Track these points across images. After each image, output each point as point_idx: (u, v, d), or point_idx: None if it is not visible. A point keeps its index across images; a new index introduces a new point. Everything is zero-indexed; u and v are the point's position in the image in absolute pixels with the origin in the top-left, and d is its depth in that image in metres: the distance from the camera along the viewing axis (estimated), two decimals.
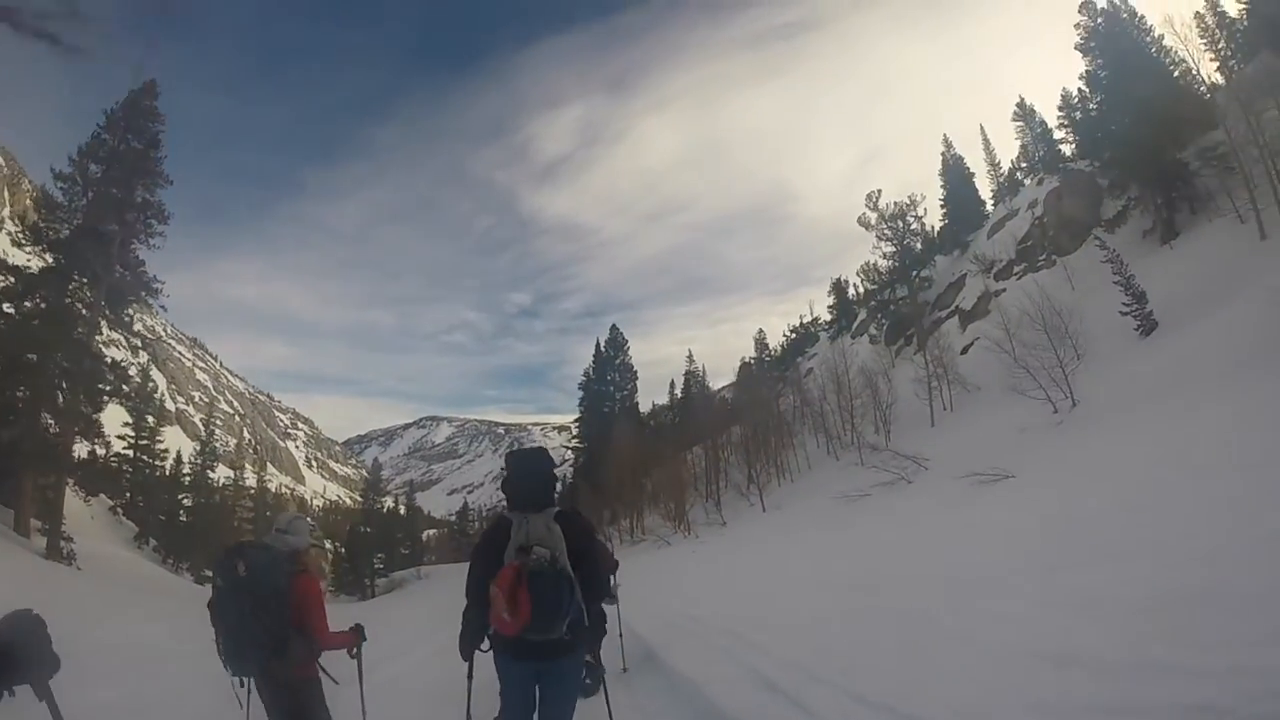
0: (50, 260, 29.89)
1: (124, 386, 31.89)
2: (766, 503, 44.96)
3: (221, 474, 73.46)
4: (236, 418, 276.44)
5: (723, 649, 8.05)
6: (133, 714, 9.18)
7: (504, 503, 4.31)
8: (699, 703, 6.43)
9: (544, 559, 3.80)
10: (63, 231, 30.72)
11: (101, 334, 32.14)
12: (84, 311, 30.38)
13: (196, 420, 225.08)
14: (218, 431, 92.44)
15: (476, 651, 4.13)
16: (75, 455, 31.14)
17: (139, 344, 34.75)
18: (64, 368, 28.43)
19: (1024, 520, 12.54)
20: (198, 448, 56.53)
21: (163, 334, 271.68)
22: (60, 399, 28.96)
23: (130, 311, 33.99)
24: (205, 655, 4.74)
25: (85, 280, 30.51)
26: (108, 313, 31.81)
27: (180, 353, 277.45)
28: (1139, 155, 41.31)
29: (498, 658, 4.03)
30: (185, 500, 52.61)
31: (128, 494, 47.85)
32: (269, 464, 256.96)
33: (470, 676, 4.24)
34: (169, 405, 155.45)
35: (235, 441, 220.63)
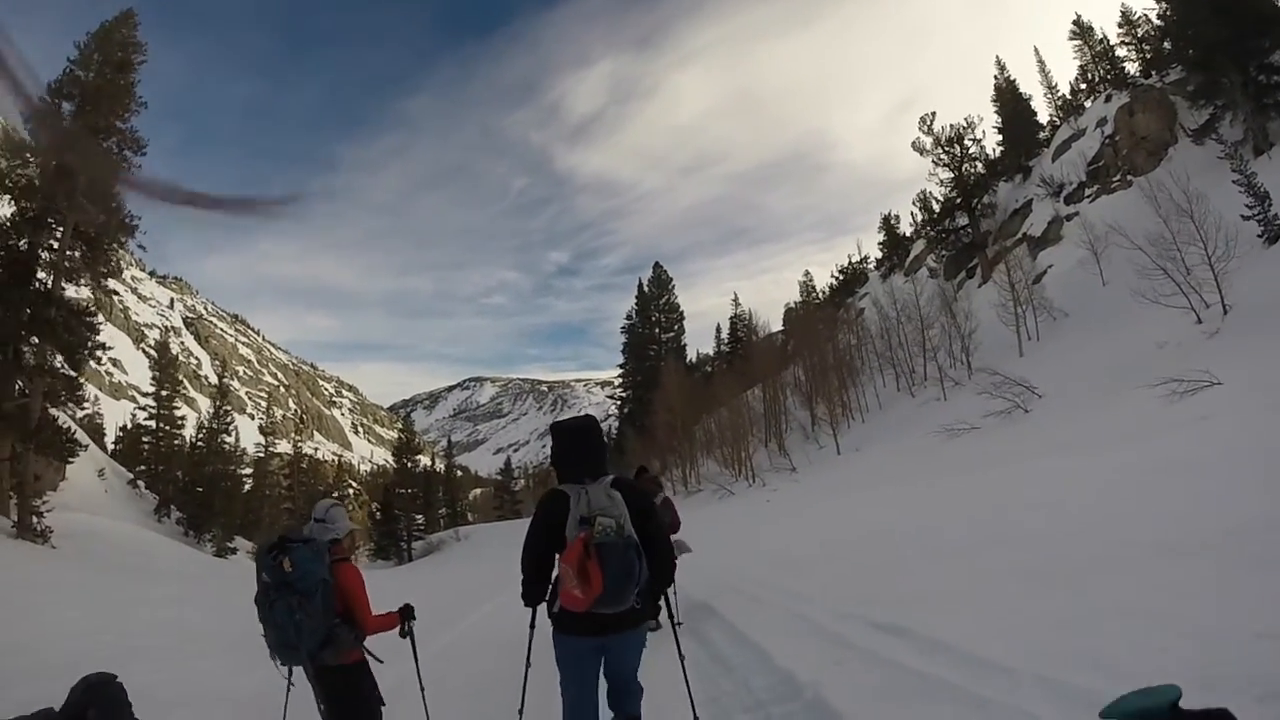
0: (15, 209, 26.62)
1: (92, 337, 28.07)
2: (841, 444, 42.26)
3: (251, 442, 71.78)
4: (281, 389, 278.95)
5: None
6: None
7: (549, 460, 4.36)
8: None
9: (610, 529, 3.64)
10: (35, 178, 27.24)
11: (79, 281, 28.79)
12: (45, 256, 26.73)
13: (242, 394, 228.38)
14: (262, 403, 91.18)
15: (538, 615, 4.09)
16: (57, 419, 28.39)
17: (109, 288, 31.00)
18: (25, 320, 24.90)
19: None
20: (210, 412, 53.44)
21: (203, 312, 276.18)
22: (28, 356, 25.48)
23: (115, 257, 30.29)
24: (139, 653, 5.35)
25: (51, 223, 26.87)
26: (76, 256, 28.09)
27: (222, 330, 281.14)
28: (1224, 56, 37.81)
29: (561, 637, 3.87)
30: (208, 470, 49.46)
31: (146, 464, 46.96)
32: (316, 432, 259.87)
33: (533, 626, 4.18)
34: (213, 380, 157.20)
35: (281, 413, 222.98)
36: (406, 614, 4.91)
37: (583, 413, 5.11)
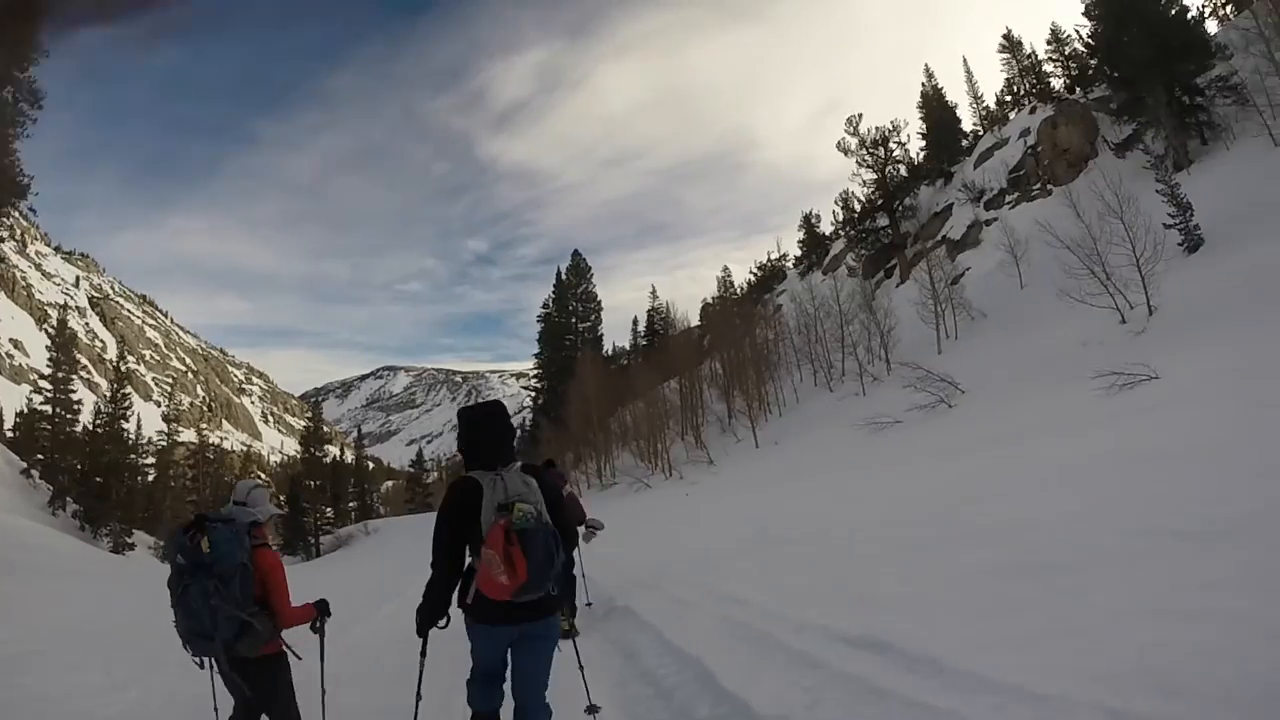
0: None
1: None
2: (760, 438, 42.05)
3: (154, 430, 68.97)
4: (189, 375, 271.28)
5: None
6: None
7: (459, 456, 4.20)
8: None
9: (530, 514, 3.57)
10: None
11: None
12: None
13: (148, 379, 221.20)
14: (169, 389, 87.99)
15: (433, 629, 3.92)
16: None
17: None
18: None
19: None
20: (109, 396, 50.90)
21: (110, 292, 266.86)
22: None
23: (9, 220, 28.33)
24: None
25: None
26: None
27: (129, 310, 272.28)
28: (1150, 75, 39.57)
29: (475, 626, 3.77)
30: (106, 459, 47.19)
31: (43, 453, 44.54)
32: (224, 420, 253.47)
33: (424, 654, 4.03)
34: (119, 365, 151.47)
35: (189, 400, 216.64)
36: (322, 609, 4.70)
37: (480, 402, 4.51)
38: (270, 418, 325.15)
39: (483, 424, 3.98)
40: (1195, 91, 39.53)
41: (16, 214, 32.26)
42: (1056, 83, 58.19)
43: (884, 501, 12.15)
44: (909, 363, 30.99)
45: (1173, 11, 40.52)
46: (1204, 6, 44.29)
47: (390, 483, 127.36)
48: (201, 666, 4.27)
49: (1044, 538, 6.27)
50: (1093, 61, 49.10)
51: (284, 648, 4.40)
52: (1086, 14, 46.98)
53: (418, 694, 4.04)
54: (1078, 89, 53.76)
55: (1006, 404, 22.22)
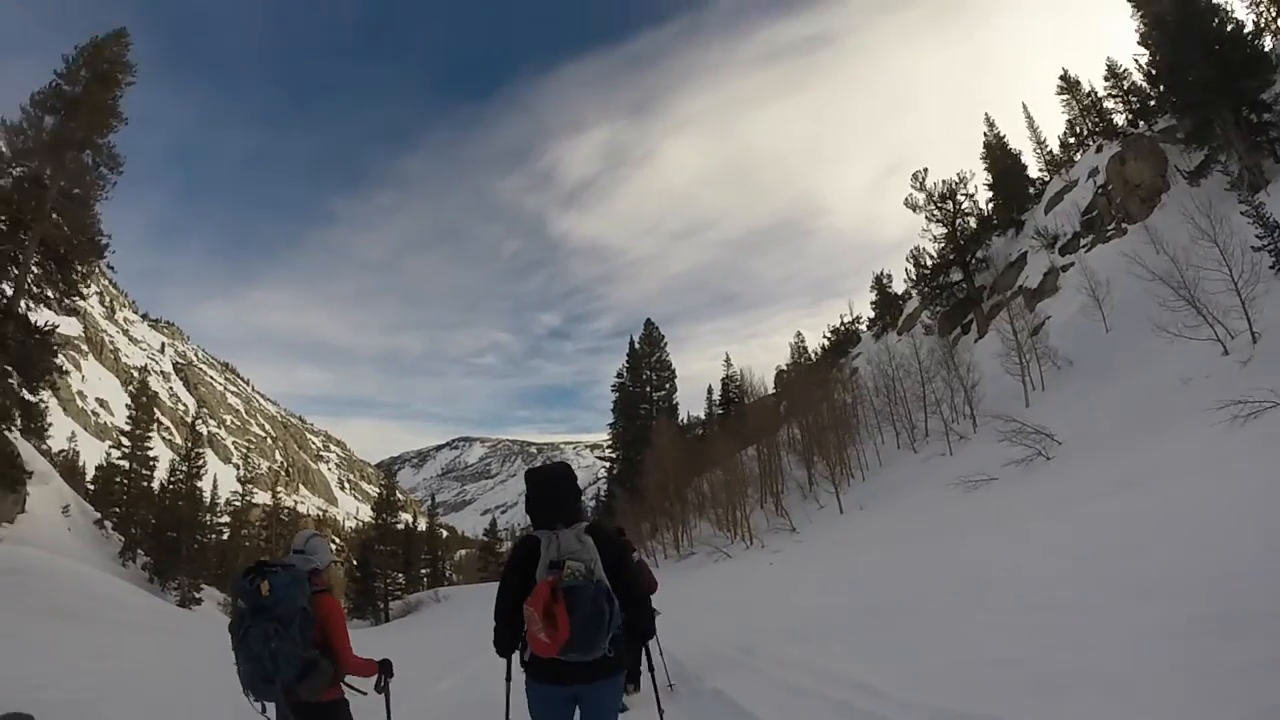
0: None
1: (51, 360, 26.62)
2: (844, 503, 40.41)
3: (230, 491, 70.14)
4: (268, 440, 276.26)
5: None
6: None
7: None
8: None
9: (579, 572, 3.55)
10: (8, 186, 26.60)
11: (52, 301, 27.75)
12: (12, 270, 25.57)
13: (228, 443, 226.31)
14: (250, 455, 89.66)
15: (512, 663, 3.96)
16: (7, 445, 27.05)
17: (74, 307, 29.69)
18: None
19: None
20: (183, 455, 52.08)
21: (194, 359, 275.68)
22: None
23: (78, 275, 29.06)
24: None
25: (22, 238, 25.92)
26: (41, 272, 26.93)
27: (212, 377, 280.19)
28: (1216, 97, 38.33)
29: (532, 685, 3.73)
30: (177, 515, 47.93)
31: (119, 506, 45.33)
32: (301, 485, 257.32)
33: (509, 678, 4.09)
34: (200, 428, 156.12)
35: (267, 464, 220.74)
36: (385, 668, 4.68)
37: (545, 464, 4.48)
38: (347, 484, 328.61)
39: (545, 484, 3.96)
40: (1262, 108, 38.38)
41: (105, 280, 33.44)
42: (1119, 119, 56.78)
43: (1005, 560, 10.77)
44: (1000, 415, 29.44)
45: (1228, 28, 39.30)
46: (1258, 21, 42.99)
47: (463, 551, 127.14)
48: (262, 712, 4.21)
49: (1238, 587, 5.08)
50: (1154, 92, 48.12)
51: (345, 694, 4.47)
52: (1142, 42, 46.15)
53: (506, 713, 4.05)
54: (1141, 123, 52.41)
55: (1111, 451, 20.68)
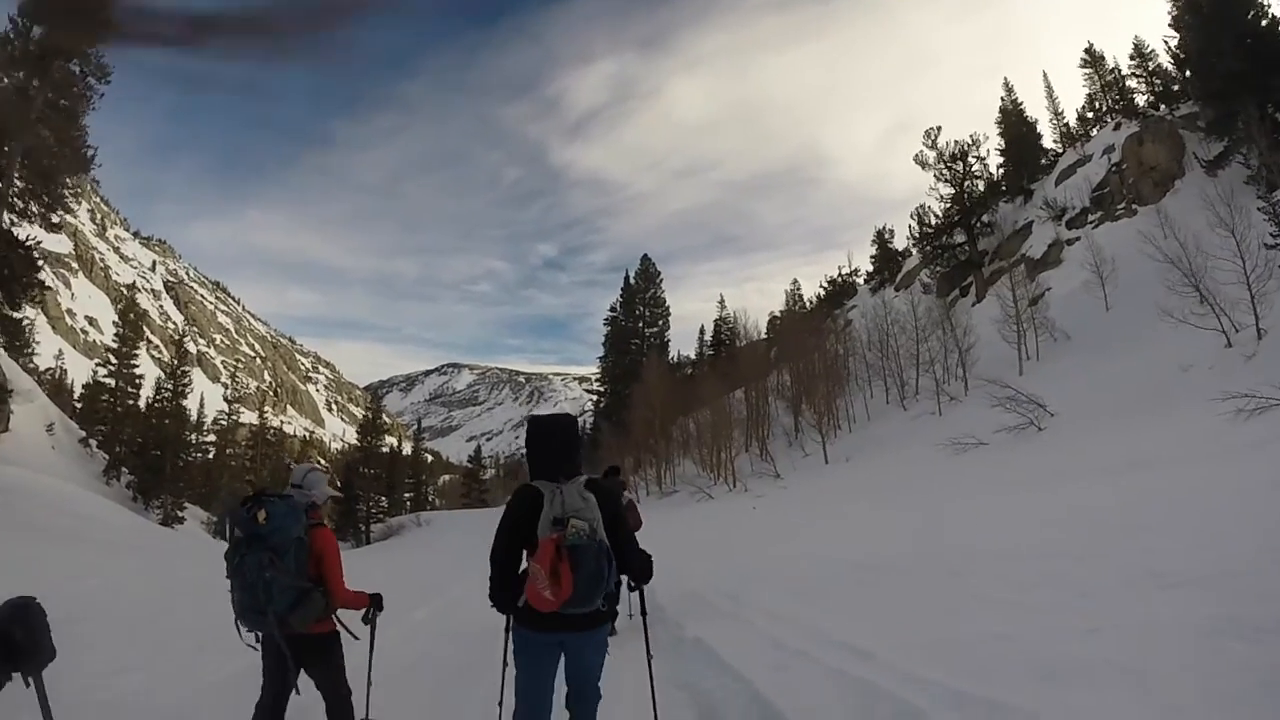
0: None
1: (33, 275, 26.08)
2: (830, 453, 40.37)
3: (218, 410, 70.10)
4: (257, 360, 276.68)
5: None
6: None
7: (522, 452, 4.49)
8: None
9: (583, 531, 3.55)
10: None
11: (35, 215, 27.26)
12: None
13: (217, 362, 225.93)
14: (237, 374, 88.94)
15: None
16: None
17: (58, 221, 29.09)
18: None
19: None
20: (168, 372, 51.98)
21: (185, 277, 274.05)
22: None
23: (65, 190, 28.42)
24: None
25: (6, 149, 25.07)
26: (24, 185, 26.20)
27: (203, 296, 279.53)
28: (1242, 90, 37.62)
29: (520, 630, 3.77)
30: (162, 433, 48.05)
31: (104, 424, 45.18)
32: (289, 406, 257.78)
33: (508, 629, 3.94)
34: (190, 347, 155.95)
35: (256, 384, 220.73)
36: (376, 601, 4.84)
37: (559, 406, 4.77)
38: (334, 406, 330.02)
39: (550, 435, 3.96)
40: None
41: (96, 197, 32.80)
42: (1140, 99, 56.15)
43: (1000, 528, 10.48)
44: (996, 380, 28.95)
45: (1262, 23, 38.67)
46: None
47: (447, 477, 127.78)
48: (256, 642, 4.28)
49: (1248, 584, 4.90)
50: (1179, 76, 47.79)
51: (337, 628, 4.49)
52: (1174, 25, 45.18)
53: (504, 662, 4.03)
54: (1162, 106, 51.89)
55: (1109, 428, 20.42)
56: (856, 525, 16.26)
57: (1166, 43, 48.13)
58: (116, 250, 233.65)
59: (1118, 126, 54.43)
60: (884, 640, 5.62)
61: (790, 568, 11.50)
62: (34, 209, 26.86)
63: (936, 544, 10.41)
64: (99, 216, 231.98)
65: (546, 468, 3.85)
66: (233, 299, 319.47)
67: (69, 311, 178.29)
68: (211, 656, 7.52)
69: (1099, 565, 6.59)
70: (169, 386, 49.95)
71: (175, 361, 52.48)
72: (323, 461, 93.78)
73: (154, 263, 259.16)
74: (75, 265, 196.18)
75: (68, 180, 28.71)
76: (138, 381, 47.74)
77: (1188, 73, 45.45)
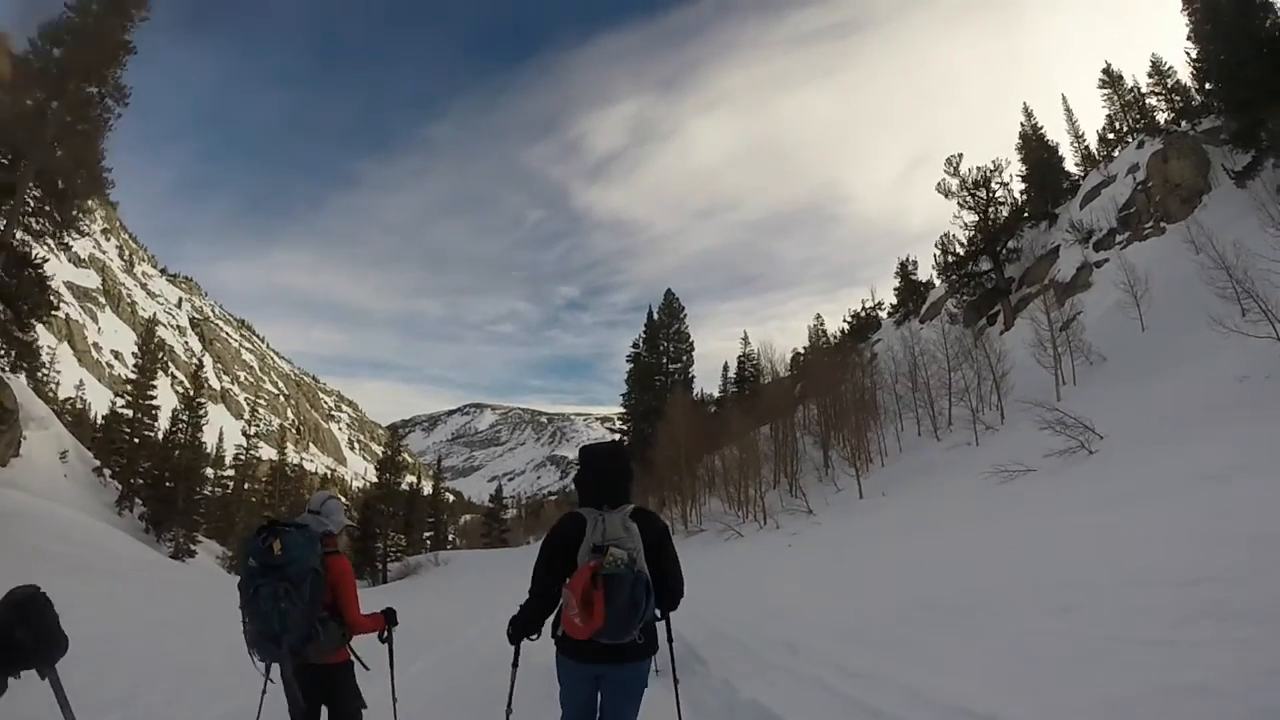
0: None
1: (42, 295, 25.65)
2: (864, 488, 39.15)
3: (237, 445, 69.94)
4: (281, 398, 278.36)
5: None
6: None
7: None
8: None
9: (621, 560, 3.51)
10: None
11: (51, 242, 27.37)
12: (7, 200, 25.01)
13: (241, 399, 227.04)
14: (258, 410, 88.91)
15: (525, 641, 4.01)
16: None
17: (71, 242, 29.04)
18: None
19: None
20: (184, 405, 51.73)
21: (211, 314, 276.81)
22: None
23: (79, 212, 28.27)
24: None
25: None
26: (37, 205, 25.98)
27: (227, 333, 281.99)
28: (1267, 99, 36.83)
29: (560, 658, 3.81)
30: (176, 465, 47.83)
31: (120, 455, 44.90)
32: (311, 444, 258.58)
33: (515, 664, 4.12)
34: (214, 383, 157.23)
35: (278, 421, 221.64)
36: (389, 617, 4.79)
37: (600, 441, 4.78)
38: (356, 445, 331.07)
39: (598, 462, 3.94)
40: None
41: (125, 234, 32.88)
42: (1161, 117, 55.39)
43: (1100, 553, 8.85)
44: (1042, 403, 27.79)
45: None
46: None
47: (468, 517, 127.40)
48: (266, 673, 4.23)
49: None
50: (1200, 90, 47.33)
51: (351, 658, 4.48)
52: (1192, 37, 44.81)
53: (508, 706, 4.05)
54: (1184, 122, 51.13)
55: (1165, 446, 18.98)
56: (911, 560, 14.77)
57: (1187, 54, 47.69)
58: (143, 286, 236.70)
59: (1141, 144, 53.86)
60: (1009, 700, 4.48)
61: (844, 609, 10.14)
62: (45, 226, 26.51)
63: (1018, 576, 8.95)
64: (127, 253, 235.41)
65: (593, 495, 3.81)
66: (257, 337, 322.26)
67: (95, 345, 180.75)
68: (193, 698, 7.08)
69: (1261, 586, 5.34)
70: (185, 418, 49.58)
71: (191, 392, 51.91)
72: (342, 500, 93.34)
73: (180, 299, 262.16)
74: (103, 300, 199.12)
75: (84, 203, 28.66)
76: (154, 412, 47.53)
77: (1209, 85, 45.11)
